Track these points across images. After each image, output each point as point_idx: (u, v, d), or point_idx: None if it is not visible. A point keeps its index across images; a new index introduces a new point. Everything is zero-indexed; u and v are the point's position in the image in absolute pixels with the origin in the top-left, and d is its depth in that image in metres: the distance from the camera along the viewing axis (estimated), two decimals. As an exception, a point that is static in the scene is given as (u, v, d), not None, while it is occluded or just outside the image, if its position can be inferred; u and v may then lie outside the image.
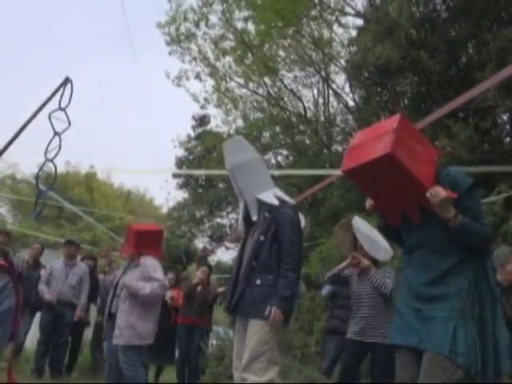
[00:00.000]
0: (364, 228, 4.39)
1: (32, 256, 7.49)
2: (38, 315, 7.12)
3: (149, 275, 4.57)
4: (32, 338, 7.52)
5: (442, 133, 8.02)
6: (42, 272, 7.06)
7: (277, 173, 11.21)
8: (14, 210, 30.79)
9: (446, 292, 2.35)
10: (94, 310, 7.63)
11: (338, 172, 6.93)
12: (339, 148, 13.70)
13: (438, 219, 2.33)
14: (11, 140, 5.51)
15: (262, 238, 3.20)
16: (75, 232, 23.19)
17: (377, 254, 4.33)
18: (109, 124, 50.49)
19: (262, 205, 3.27)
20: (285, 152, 16.17)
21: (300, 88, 15.16)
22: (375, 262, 4.37)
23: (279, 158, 16.24)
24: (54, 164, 5.21)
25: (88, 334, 7.71)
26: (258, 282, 3.14)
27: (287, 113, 15.05)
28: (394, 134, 2.26)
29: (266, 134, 15.64)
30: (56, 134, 5.31)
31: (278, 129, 15.30)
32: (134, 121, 54.92)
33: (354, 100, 13.22)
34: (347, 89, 13.71)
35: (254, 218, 3.26)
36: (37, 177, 5.71)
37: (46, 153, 5.27)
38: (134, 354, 4.46)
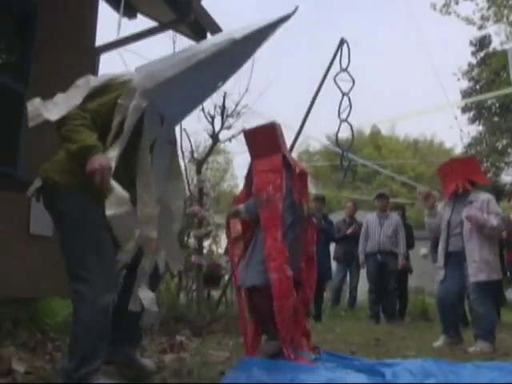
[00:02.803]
0: None
1: (348, 214, 8.11)
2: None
3: (488, 210, 4.35)
4: (360, 288, 8.14)
5: None
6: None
7: None
8: (314, 180, 33.73)
9: None
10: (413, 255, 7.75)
11: None
12: None
13: None
14: (307, 112, 6.03)
15: None
16: (372, 191, 23.87)
17: None
18: (378, 76, 49.76)
19: None
20: None
21: None
22: None
23: None
24: (349, 123, 5.52)
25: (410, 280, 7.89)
26: None
27: None
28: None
29: None
30: (344, 94, 5.61)
31: None
32: (405, 67, 52.97)
33: None
34: None
35: None
36: (336, 137, 6.14)
37: (339, 114, 5.64)
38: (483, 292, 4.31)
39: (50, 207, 2.32)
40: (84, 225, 2.24)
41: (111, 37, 5.75)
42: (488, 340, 4.22)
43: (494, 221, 4.27)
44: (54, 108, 2.24)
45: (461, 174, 4.53)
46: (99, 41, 5.58)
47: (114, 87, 2.35)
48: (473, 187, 4.53)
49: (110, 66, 7.94)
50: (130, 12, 6.04)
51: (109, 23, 6.23)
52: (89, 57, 5.32)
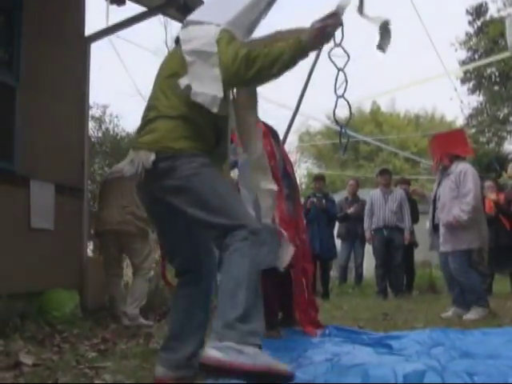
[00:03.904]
0: None
1: (351, 192, 8.09)
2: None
3: (461, 183, 4.54)
4: (368, 265, 8.14)
5: None
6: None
7: None
8: (317, 161, 33.62)
9: None
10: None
11: None
12: None
13: None
14: (303, 90, 5.95)
15: None
16: (375, 168, 23.77)
17: None
18: (374, 51, 49.13)
19: None
20: None
21: None
22: None
23: None
24: (345, 99, 5.43)
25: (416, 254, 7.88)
26: None
27: None
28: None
29: None
30: (339, 69, 5.52)
31: None
32: (402, 41, 52.40)
33: None
34: None
35: None
36: (334, 113, 6.03)
37: (335, 90, 5.55)
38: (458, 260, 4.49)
39: (173, 177, 2.00)
40: (220, 180, 2.08)
41: (101, 25, 5.69)
42: (481, 304, 4.39)
43: (463, 216, 4.42)
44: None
45: (443, 148, 4.75)
46: (89, 29, 5.51)
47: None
48: (455, 159, 4.67)
49: (102, 54, 7.89)
50: (118, -1, 5.95)
51: (98, 11, 6.16)
52: (79, 46, 5.25)
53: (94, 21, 5.86)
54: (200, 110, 2.02)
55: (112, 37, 7.07)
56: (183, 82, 2.04)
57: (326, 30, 2.02)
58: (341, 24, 2.09)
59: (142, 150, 2.04)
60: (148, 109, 2.16)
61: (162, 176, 2.01)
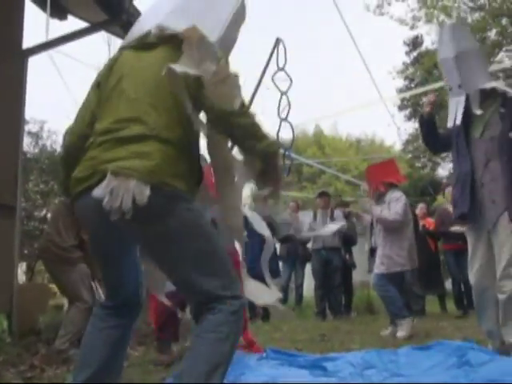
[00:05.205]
0: None
1: (291, 214, 8.18)
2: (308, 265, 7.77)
3: (390, 205, 4.90)
4: (308, 285, 8.23)
5: None
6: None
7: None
8: (261, 182, 33.83)
9: None
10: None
11: None
12: None
13: None
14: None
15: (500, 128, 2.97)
16: (317, 190, 24.22)
17: None
18: (316, 77, 50.49)
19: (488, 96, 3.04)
20: (520, 46, 13.96)
21: (522, -34, 12.83)
22: None
23: (514, 55, 14.11)
24: (288, 122, 5.54)
25: (355, 275, 8.05)
26: None
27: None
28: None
29: (491, 33, 13.75)
30: (283, 93, 5.64)
31: (504, 22, 13.29)
32: (344, 66, 54.25)
33: None
34: None
35: (478, 112, 3.02)
36: (277, 136, 6.15)
37: (278, 113, 5.66)
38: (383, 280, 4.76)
39: (166, 221, 1.67)
40: (216, 235, 1.81)
41: (41, 39, 5.53)
42: (405, 317, 4.65)
43: (389, 216, 4.81)
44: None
45: (378, 177, 5.10)
46: (27, 43, 5.35)
47: None
48: (390, 187, 5.05)
49: (40, 68, 7.67)
50: (60, 13, 5.83)
51: (39, 25, 5.99)
52: (16, 59, 5.08)
53: (34, 34, 5.71)
54: (192, 135, 1.81)
55: (53, 52, 6.89)
56: (177, 67, 1.70)
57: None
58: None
59: (131, 178, 1.61)
60: (127, 120, 1.73)
61: (152, 217, 1.65)
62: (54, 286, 9.95)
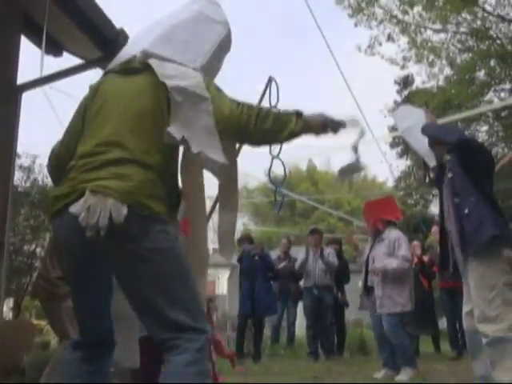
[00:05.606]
0: None
1: (282, 250, 8.11)
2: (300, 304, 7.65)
3: (395, 249, 4.81)
4: (300, 324, 8.09)
5: None
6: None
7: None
8: (253, 217, 33.86)
9: None
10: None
11: None
12: None
13: None
14: (239, 148, 6.04)
15: (450, 175, 3.06)
16: (310, 225, 24.25)
17: None
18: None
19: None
20: (508, 86, 14.28)
21: (508, 10, 13.24)
22: None
23: (502, 95, 14.41)
24: (280, 159, 5.57)
25: (348, 314, 7.93)
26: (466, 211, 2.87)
27: (498, 42, 13.29)
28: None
29: (480, 73, 14.06)
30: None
31: (492, 63, 13.61)
32: (337, 104, 55.06)
33: None
34: None
35: (432, 164, 3.31)
36: (269, 172, 6.14)
37: (270, 150, 5.69)
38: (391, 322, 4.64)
39: (141, 244, 1.66)
40: (184, 260, 1.77)
41: (36, 74, 5.57)
42: (410, 365, 4.57)
43: (393, 263, 4.71)
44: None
45: (376, 214, 5.01)
46: (22, 78, 5.37)
47: None
48: (387, 225, 4.99)
49: (34, 104, 7.70)
50: (55, 50, 5.88)
51: (34, 60, 6.04)
52: (9, 95, 5.09)
53: (28, 70, 5.74)
54: (171, 160, 1.85)
55: (47, 88, 6.92)
56: (175, 132, 1.76)
57: (326, 126, 1.97)
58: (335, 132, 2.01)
59: (109, 197, 1.62)
60: (109, 143, 1.75)
61: (127, 236, 1.65)
62: (40, 323, 9.76)
